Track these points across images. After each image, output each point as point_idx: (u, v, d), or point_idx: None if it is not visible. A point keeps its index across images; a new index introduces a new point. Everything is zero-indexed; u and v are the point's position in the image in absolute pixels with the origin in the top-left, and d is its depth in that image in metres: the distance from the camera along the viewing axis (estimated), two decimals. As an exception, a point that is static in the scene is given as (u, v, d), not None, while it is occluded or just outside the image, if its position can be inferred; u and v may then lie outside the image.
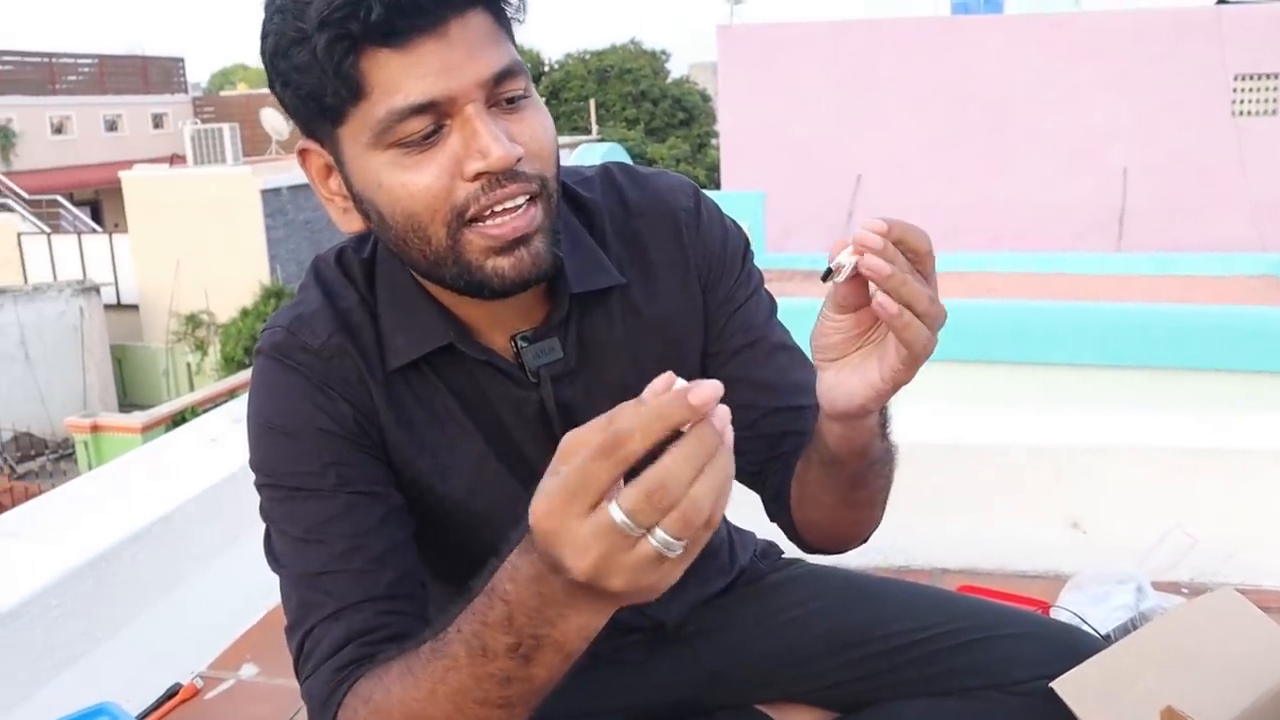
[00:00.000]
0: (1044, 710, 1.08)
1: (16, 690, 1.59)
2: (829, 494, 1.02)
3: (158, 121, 28.82)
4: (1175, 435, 2.13)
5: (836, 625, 1.21)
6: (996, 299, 7.56)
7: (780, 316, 1.14)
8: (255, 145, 21.59)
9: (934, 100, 13.80)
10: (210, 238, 16.57)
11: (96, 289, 16.68)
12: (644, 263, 1.07)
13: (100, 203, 24.56)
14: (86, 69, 28.40)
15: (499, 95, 0.88)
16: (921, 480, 2.08)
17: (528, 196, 0.89)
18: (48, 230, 19.29)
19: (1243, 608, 1.18)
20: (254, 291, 15.72)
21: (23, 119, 25.05)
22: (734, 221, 1.12)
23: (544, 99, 0.96)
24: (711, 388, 0.64)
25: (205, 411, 2.54)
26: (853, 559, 1.18)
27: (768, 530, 1.20)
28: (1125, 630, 1.58)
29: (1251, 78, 13.10)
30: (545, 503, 0.66)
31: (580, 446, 0.65)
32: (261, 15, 0.89)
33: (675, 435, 0.64)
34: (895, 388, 0.87)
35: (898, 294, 0.80)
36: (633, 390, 1.05)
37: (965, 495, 2.08)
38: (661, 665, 1.22)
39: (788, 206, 12.93)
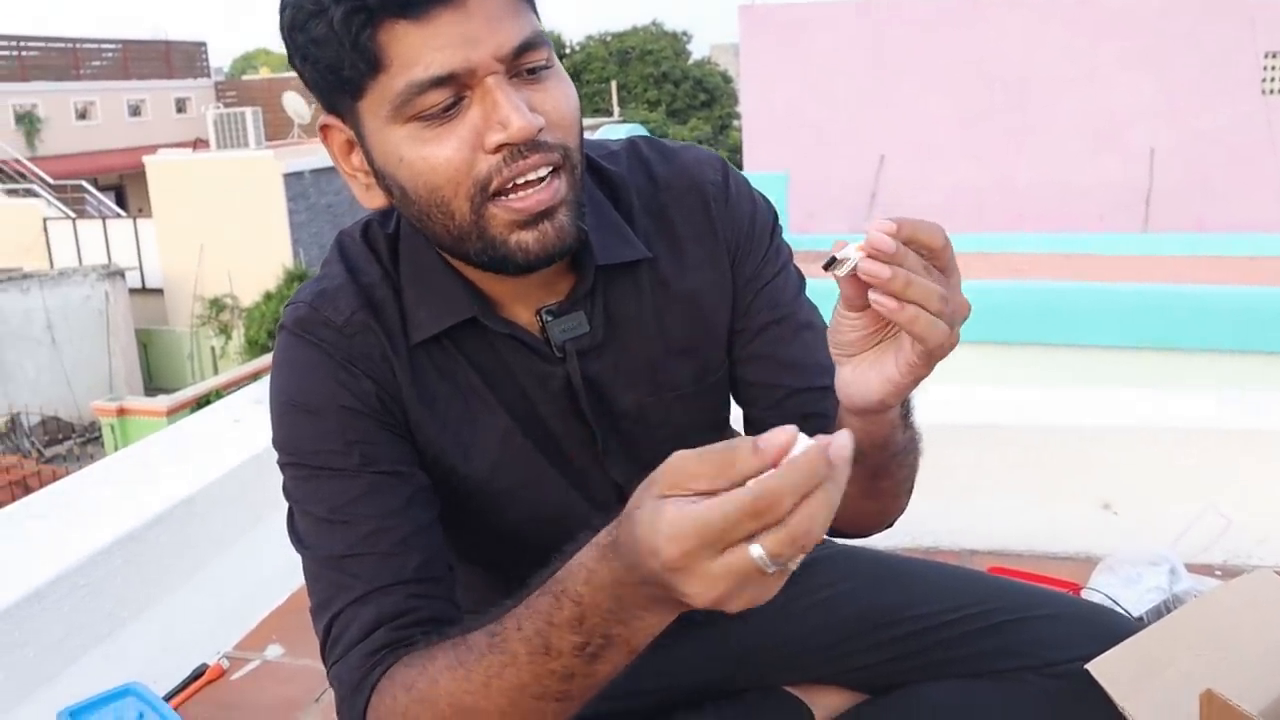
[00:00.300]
0: (1077, 692, 1.07)
1: (43, 670, 1.59)
2: (850, 485, 1.00)
3: (181, 106, 28.92)
4: (1207, 416, 2.10)
5: (866, 606, 1.20)
6: (1022, 280, 7.49)
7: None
8: (277, 129, 21.64)
9: (958, 80, 13.67)
10: (233, 221, 16.65)
11: (121, 273, 16.79)
12: (672, 236, 1.05)
13: (124, 187, 24.70)
14: (110, 54, 28.52)
15: (520, 66, 0.87)
16: (950, 462, 2.06)
17: (550, 168, 0.88)
18: (73, 215, 19.42)
19: (1281, 589, 1.16)
20: (277, 275, 15.78)
21: (48, 105, 25.19)
22: (763, 196, 1.10)
23: (566, 76, 0.95)
24: (846, 442, 0.66)
25: (230, 395, 2.55)
26: (881, 540, 1.16)
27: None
28: (1158, 613, 1.56)
29: (1282, 55, 12.91)
30: (678, 544, 0.65)
31: (690, 479, 0.66)
32: None
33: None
34: (914, 383, 0.84)
35: (905, 295, 0.77)
36: (661, 364, 1.04)
37: (994, 476, 2.06)
38: (690, 648, 1.21)
39: (811, 188, 12.86)
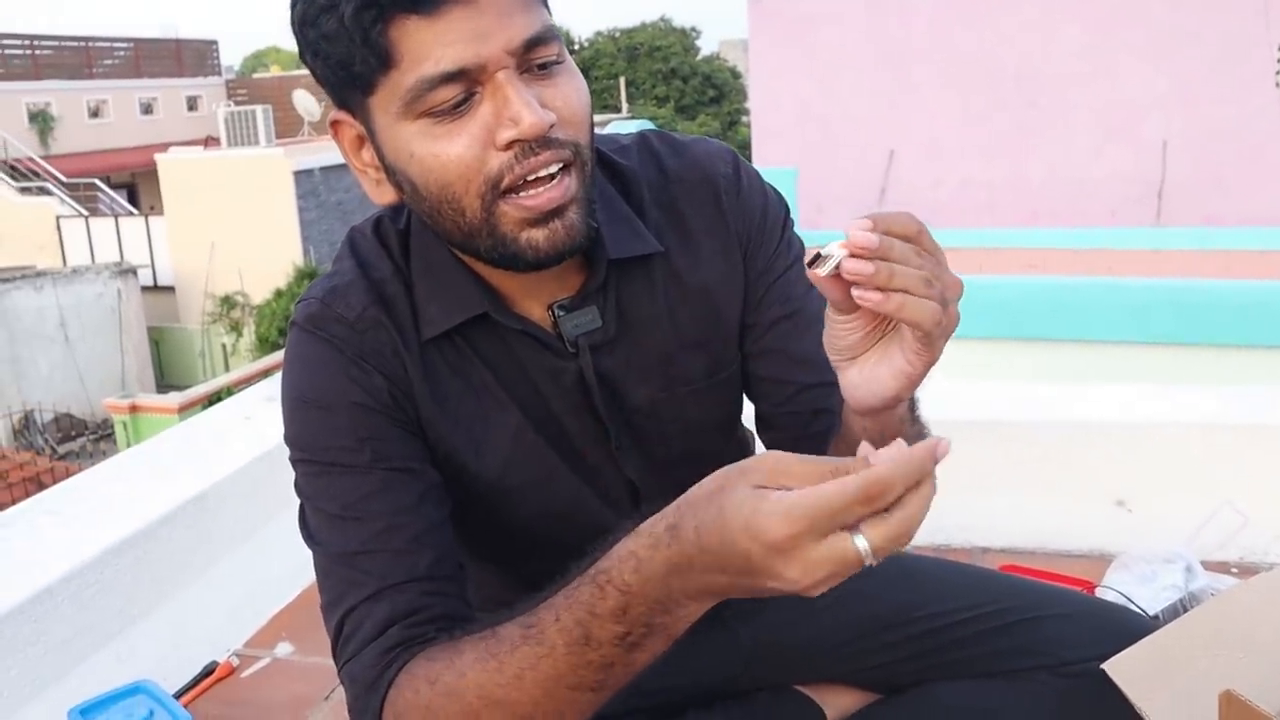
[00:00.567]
0: (1093, 692, 1.06)
1: (54, 668, 1.59)
2: None
3: (192, 104, 29.01)
4: (1222, 411, 2.08)
5: (878, 605, 1.19)
6: (1034, 275, 7.46)
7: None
8: (288, 127, 21.69)
9: (968, 74, 13.62)
10: (244, 219, 16.70)
11: (134, 271, 16.85)
12: (683, 230, 1.04)
13: (137, 185, 24.78)
14: (122, 53, 28.62)
15: (531, 61, 0.86)
16: (962, 458, 2.03)
17: (561, 165, 0.87)
18: (85, 213, 19.49)
19: (1300, 588, 1.14)
20: (287, 273, 15.83)
21: (61, 103, 25.29)
22: (774, 189, 1.09)
23: (576, 72, 0.94)
24: (948, 444, 0.69)
25: (241, 392, 2.55)
26: (894, 538, 1.15)
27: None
28: (1174, 611, 1.55)
29: (1296, 48, 12.82)
30: (783, 526, 0.66)
31: (792, 478, 0.69)
32: None
33: None
34: (925, 369, 0.83)
35: (890, 286, 0.76)
36: (674, 359, 1.04)
37: (1006, 473, 2.05)
38: (700, 647, 1.20)
39: (820, 183, 12.83)
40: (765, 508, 0.67)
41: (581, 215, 0.90)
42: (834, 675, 1.23)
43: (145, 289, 17.25)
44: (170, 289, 17.89)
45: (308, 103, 19.54)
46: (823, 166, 13.35)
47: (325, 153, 16.83)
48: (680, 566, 0.72)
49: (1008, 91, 13.55)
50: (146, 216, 19.02)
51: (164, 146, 19.68)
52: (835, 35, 14.08)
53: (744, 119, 27.38)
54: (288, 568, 1.87)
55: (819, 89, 14.12)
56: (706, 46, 34.04)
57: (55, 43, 27.17)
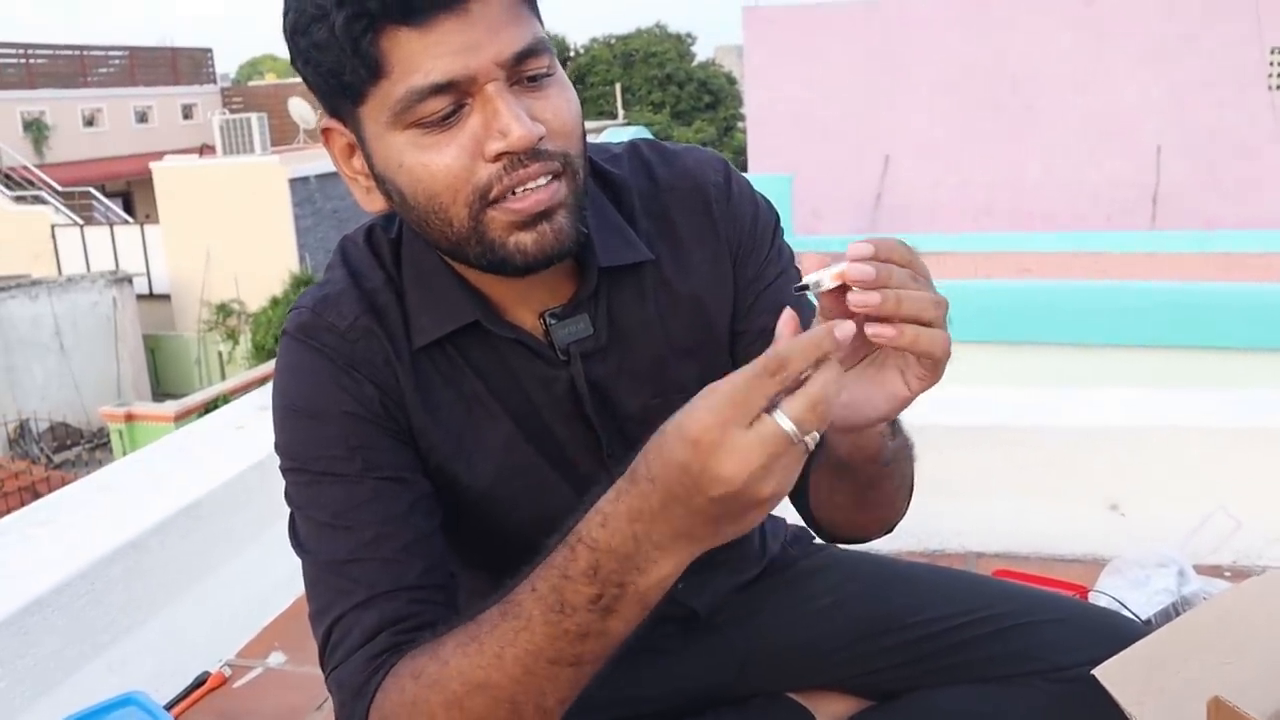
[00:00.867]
0: (1085, 697, 1.06)
1: (45, 679, 1.59)
2: (844, 497, 1.01)
3: (187, 112, 29.01)
4: (1216, 415, 2.08)
5: (871, 612, 1.19)
6: (1030, 279, 7.47)
7: (809, 299, 1.12)
8: (283, 135, 21.69)
9: (963, 79, 13.65)
10: (240, 227, 16.68)
11: (129, 279, 16.82)
12: (674, 238, 1.04)
13: (132, 194, 24.77)
14: (117, 61, 28.61)
15: (521, 74, 0.86)
16: (955, 463, 2.05)
17: (550, 176, 0.88)
18: (80, 222, 19.46)
19: (1291, 592, 1.14)
20: (283, 280, 15.81)
21: (55, 112, 25.28)
22: (764, 197, 1.10)
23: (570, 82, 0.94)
24: (850, 327, 0.73)
25: (236, 400, 2.55)
26: (886, 544, 1.15)
27: (798, 517, 1.17)
28: (1167, 615, 1.55)
29: (1289, 51, 12.85)
30: (706, 417, 0.70)
31: (711, 390, 0.72)
32: None
33: None
34: (922, 392, 0.83)
35: (899, 314, 0.76)
36: (666, 366, 1.04)
37: (1000, 478, 2.05)
38: (694, 654, 1.20)
39: (816, 189, 12.85)
40: (687, 408, 0.71)
41: (570, 220, 0.90)
42: (827, 682, 1.22)
43: (141, 297, 17.21)
44: (166, 297, 17.87)
45: (303, 110, 19.53)
46: (818, 172, 13.38)
47: (321, 160, 16.81)
48: (641, 511, 0.73)
49: (1003, 96, 13.58)
50: (142, 225, 19.00)
51: (159, 155, 19.65)
52: (830, 41, 14.12)
53: (740, 125, 27.42)
54: (280, 577, 1.87)
55: (814, 95, 14.15)
56: (702, 53, 34.15)
57: (50, 51, 27.18)
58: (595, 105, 28.47)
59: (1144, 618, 1.56)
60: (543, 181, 0.87)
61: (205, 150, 20.92)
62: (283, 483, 0.99)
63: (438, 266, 0.98)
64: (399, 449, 0.97)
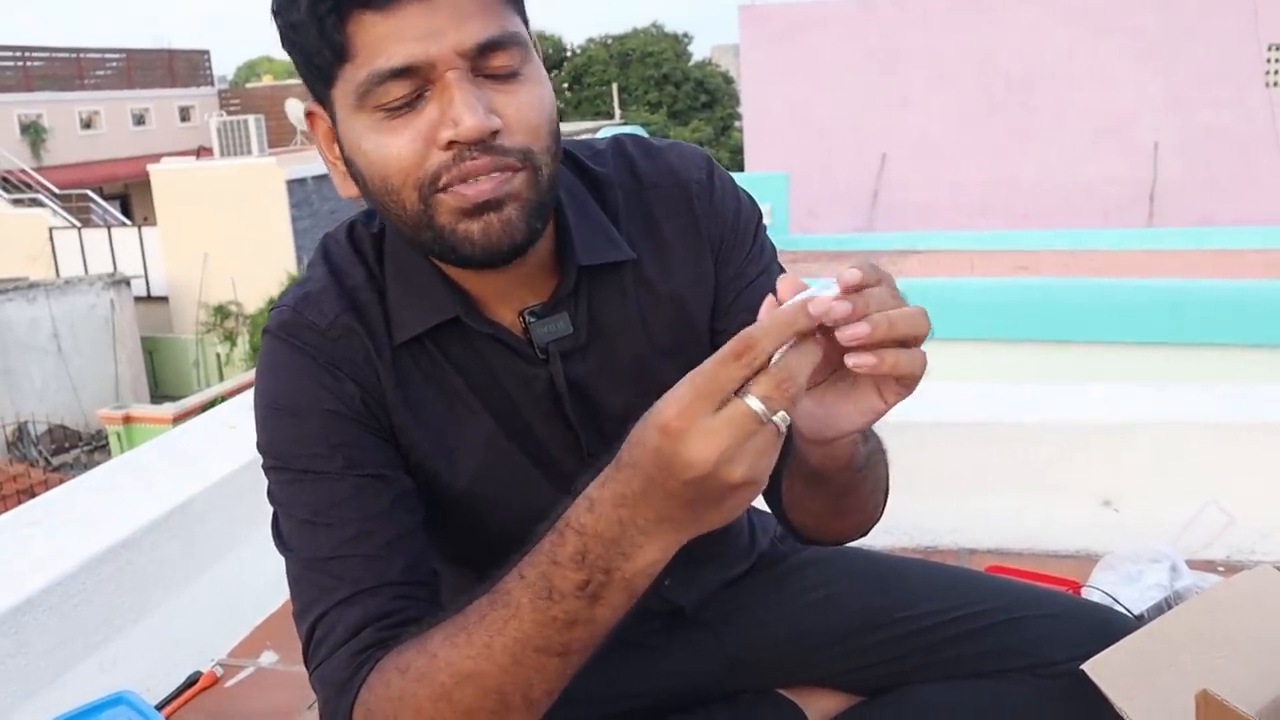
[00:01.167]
0: (1076, 692, 1.06)
1: (35, 679, 1.58)
2: (819, 504, 0.99)
3: (184, 115, 29.01)
4: (1209, 411, 2.08)
5: (861, 607, 1.19)
6: (1027, 277, 7.48)
7: (807, 298, 1.11)
8: (280, 136, 21.69)
9: (960, 77, 13.66)
10: (237, 229, 16.68)
11: (127, 281, 16.82)
12: (657, 236, 1.04)
13: (129, 196, 24.76)
14: (114, 64, 28.61)
15: (486, 65, 0.86)
16: (948, 460, 2.04)
17: (503, 171, 0.87)
18: (78, 224, 19.45)
19: (1282, 586, 1.14)
20: (281, 282, 15.80)
21: (52, 115, 25.27)
22: (747, 194, 1.09)
23: (566, 84, 0.94)
24: (827, 299, 0.72)
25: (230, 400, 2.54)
26: (878, 540, 1.15)
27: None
28: (1159, 610, 1.55)
29: (1285, 48, 12.86)
30: (676, 404, 0.71)
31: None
32: None
33: None
34: (897, 405, 0.81)
35: (891, 337, 0.73)
36: (648, 365, 1.03)
37: (993, 474, 2.05)
38: (681, 651, 1.20)
39: (812, 187, 12.85)
40: (659, 403, 0.72)
41: (522, 215, 0.88)
42: (817, 678, 1.22)
43: (139, 299, 17.21)
44: (164, 299, 17.87)
45: (299, 112, 19.50)
46: (815, 170, 13.38)
47: (318, 162, 16.56)
48: (625, 496, 0.73)
49: (1000, 94, 13.59)
50: (139, 227, 19.00)
51: (157, 157, 19.65)
52: (826, 39, 14.12)
53: (736, 124, 27.43)
54: (271, 577, 1.86)
55: (811, 93, 14.15)
56: (699, 52, 34.18)
57: (47, 54, 27.17)
58: (592, 105, 28.45)
59: (1137, 613, 1.56)
60: (495, 176, 0.87)
61: (203, 152, 20.93)
62: (268, 481, 0.98)
63: (419, 262, 0.98)
64: (380, 446, 0.97)
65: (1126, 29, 13.12)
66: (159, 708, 1.62)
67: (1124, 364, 5.83)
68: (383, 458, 0.97)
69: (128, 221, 21.02)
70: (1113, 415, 2.08)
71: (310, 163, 16.90)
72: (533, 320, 0.99)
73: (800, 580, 1.22)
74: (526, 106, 0.88)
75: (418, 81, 0.85)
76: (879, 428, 0.91)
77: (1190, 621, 1.12)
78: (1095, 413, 2.10)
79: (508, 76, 0.87)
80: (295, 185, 16.79)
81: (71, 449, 14.98)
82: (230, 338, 16.85)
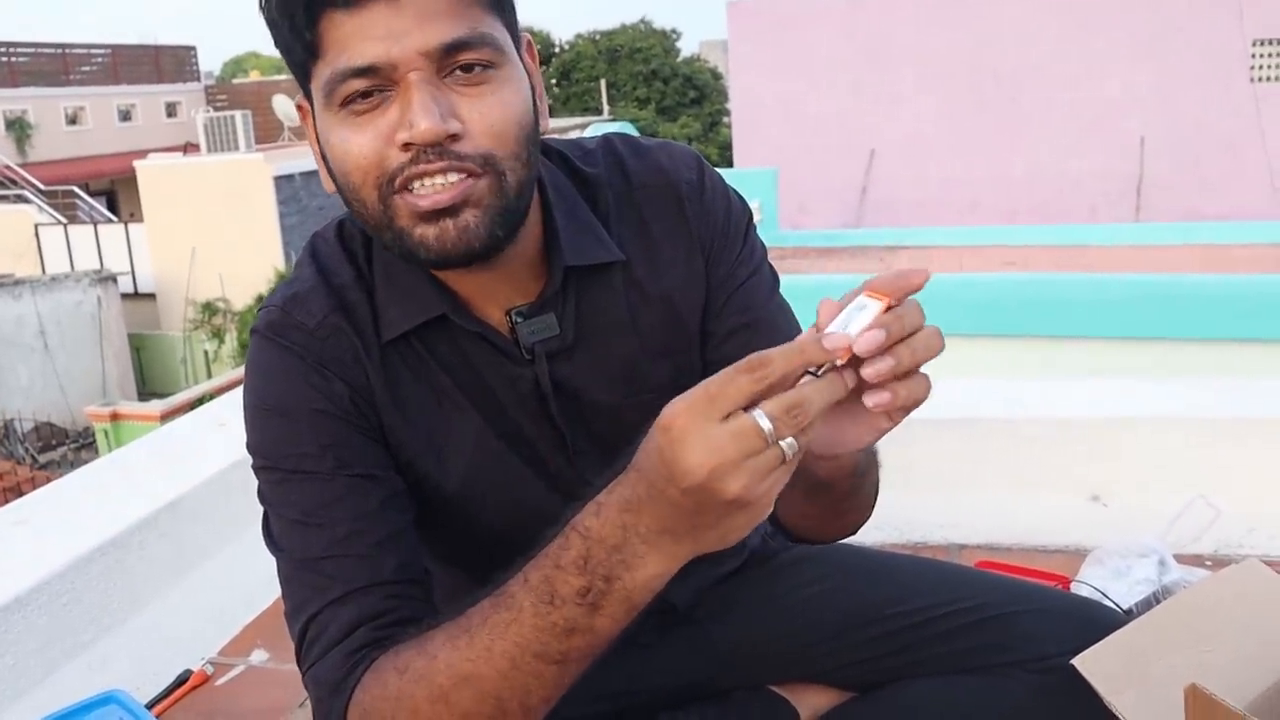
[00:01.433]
0: (1066, 687, 1.06)
1: (25, 678, 1.58)
2: (819, 509, 1.00)
3: (171, 110, 28.89)
4: (1196, 405, 2.09)
5: (852, 603, 1.19)
6: (1015, 272, 7.50)
7: (794, 294, 1.11)
8: (268, 132, 21.60)
9: (948, 73, 13.68)
10: (225, 225, 16.62)
11: (114, 278, 16.74)
12: (647, 237, 1.04)
13: (116, 192, 24.65)
14: (100, 59, 28.46)
15: (453, 67, 0.86)
16: (938, 456, 2.05)
17: (461, 175, 0.86)
18: (64, 221, 19.36)
19: (1268, 580, 1.15)
20: (269, 278, 15.75)
21: (38, 110, 25.14)
22: (737, 194, 1.09)
23: (554, 80, 0.94)
24: (842, 338, 0.73)
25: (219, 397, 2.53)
26: (868, 536, 1.15)
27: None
28: (1148, 605, 1.55)
29: (1270, 43, 12.93)
30: (683, 404, 0.71)
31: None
32: None
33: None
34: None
35: (913, 364, 0.75)
36: (637, 365, 1.03)
37: (983, 470, 2.06)
38: (673, 648, 1.20)
39: (801, 183, 12.86)
40: (671, 401, 0.72)
41: (482, 221, 0.88)
42: (809, 674, 1.22)
43: (125, 296, 17.13)
44: (151, 296, 17.79)
45: (287, 108, 19.43)
46: (804, 166, 13.39)
47: (306, 158, 16.75)
48: (630, 501, 0.74)
49: (988, 90, 13.62)
50: (126, 223, 18.91)
51: (143, 153, 19.57)
52: (815, 35, 14.13)
53: (725, 120, 27.41)
54: (262, 575, 1.85)
55: (799, 89, 14.16)
56: (687, 48, 34.12)
57: (32, 49, 27.02)
58: (580, 101, 28.40)
59: (1126, 607, 1.56)
60: (453, 179, 0.86)
61: (189, 148, 20.85)
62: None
63: None
64: (370, 446, 0.97)
65: (1114, 25, 13.16)
66: (149, 706, 1.62)
67: (1111, 359, 5.85)
68: (372, 457, 0.97)
69: (114, 218, 20.91)
70: (1101, 410, 2.09)
71: (298, 159, 16.85)
72: (519, 320, 0.99)
73: (792, 577, 1.22)
74: (491, 110, 0.87)
75: (379, 80, 0.85)
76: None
77: (1179, 616, 1.12)
78: (1084, 408, 2.11)
79: (475, 79, 0.87)
80: (283, 181, 16.73)
81: (58, 446, 14.91)
82: (218, 334, 16.79)
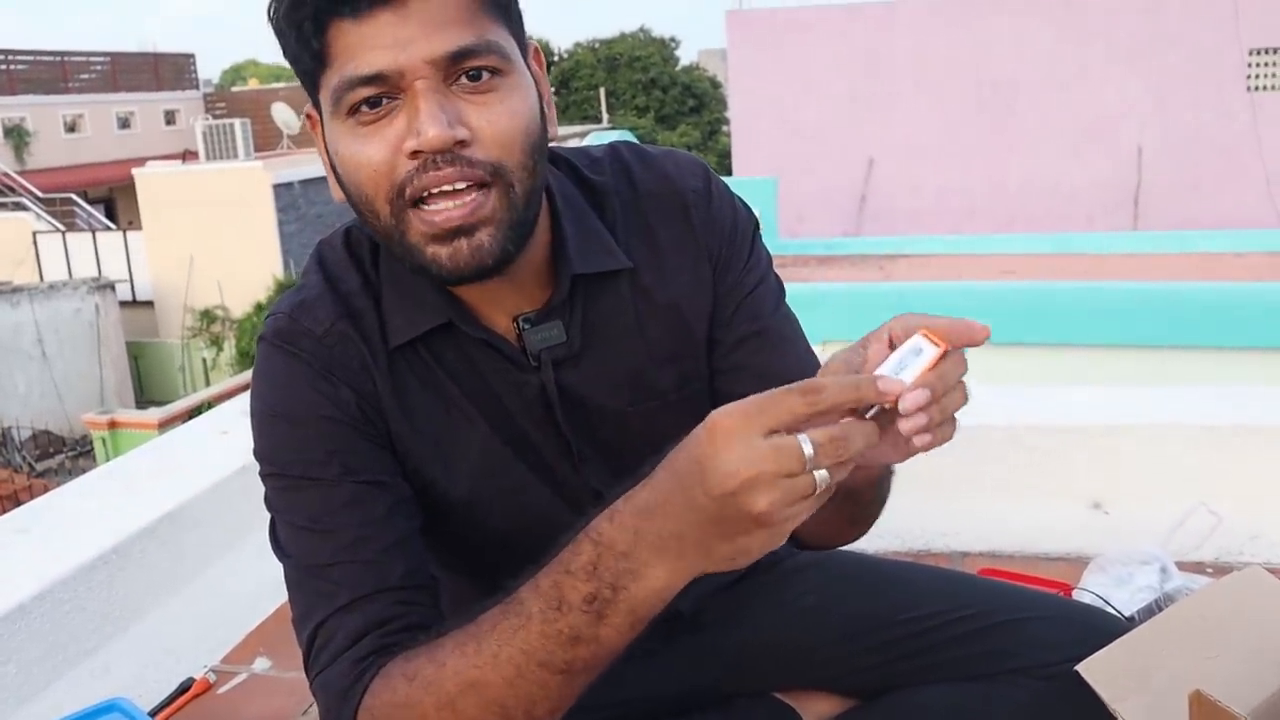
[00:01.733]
0: (1069, 694, 1.06)
1: (28, 686, 1.58)
2: (833, 515, 1.00)
3: (170, 118, 28.90)
4: (1196, 413, 2.09)
5: (855, 610, 1.19)
6: (1013, 281, 7.51)
7: (795, 302, 1.12)
8: (267, 140, 21.62)
9: (946, 82, 13.71)
10: (223, 233, 16.62)
11: (112, 286, 16.73)
12: (654, 245, 1.04)
13: (114, 200, 24.64)
14: (99, 67, 28.47)
15: (460, 74, 0.86)
16: (939, 463, 2.04)
17: (469, 184, 0.87)
18: (62, 228, 19.35)
19: (1271, 587, 1.15)
20: (267, 286, 15.75)
21: (36, 118, 25.15)
22: (744, 202, 1.10)
23: (553, 88, 0.94)
24: (896, 384, 0.74)
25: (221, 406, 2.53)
26: (870, 544, 1.16)
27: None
28: (1150, 612, 1.56)
29: (1266, 52, 12.97)
30: (734, 409, 0.71)
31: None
32: None
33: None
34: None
35: (942, 420, 0.77)
36: (644, 373, 1.03)
37: (984, 478, 2.06)
38: (677, 654, 1.20)
39: (800, 191, 12.88)
40: (721, 406, 0.73)
41: (494, 237, 0.88)
42: (812, 681, 1.22)
43: (124, 304, 17.13)
44: (149, 303, 17.78)
45: (286, 116, 19.48)
46: (802, 175, 13.41)
47: (305, 166, 16.79)
48: (647, 504, 0.74)
49: (985, 98, 13.65)
50: (124, 231, 18.91)
51: (141, 161, 19.56)
52: (813, 44, 14.16)
53: (724, 128, 27.45)
54: (264, 582, 1.86)
55: (798, 98, 14.19)
56: (686, 56, 34.21)
57: (31, 57, 27.01)
58: (580, 109, 28.44)
59: (1128, 614, 1.57)
60: (460, 187, 0.86)
61: (188, 156, 20.84)
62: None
63: None
64: (377, 452, 0.97)
65: (1110, 34, 13.19)
66: (152, 714, 1.61)
67: (1109, 367, 5.86)
68: (380, 464, 0.97)
69: (112, 225, 20.91)
70: (1102, 418, 2.09)
71: (296, 167, 16.86)
72: (526, 327, 0.99)
73: (796, 584, 1.23)
74: (499, 118, 0.87)
75: (386, 89, 0.85)
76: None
77: (1182, 623, 1.12)
78: (1084, 416, 2.11)
79: (482, 87, 0.87)
80: (282, 189, 16.74)
81: (56, 454, 14.88)
82: (216, 342, 16.78)
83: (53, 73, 26.81)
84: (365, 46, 0.84)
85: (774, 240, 9.42)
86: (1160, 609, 1.54)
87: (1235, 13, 12.70)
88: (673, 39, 32.04)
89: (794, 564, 1.25)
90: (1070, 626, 1.13)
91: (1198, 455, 1.99)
